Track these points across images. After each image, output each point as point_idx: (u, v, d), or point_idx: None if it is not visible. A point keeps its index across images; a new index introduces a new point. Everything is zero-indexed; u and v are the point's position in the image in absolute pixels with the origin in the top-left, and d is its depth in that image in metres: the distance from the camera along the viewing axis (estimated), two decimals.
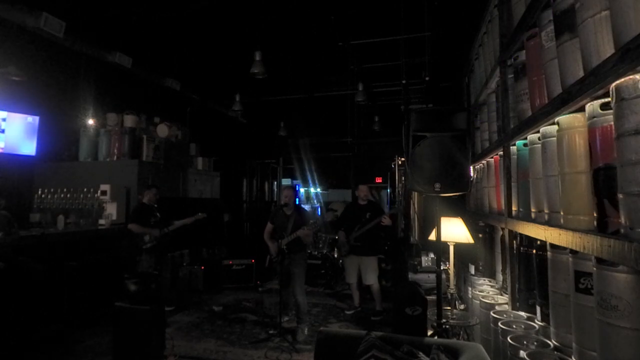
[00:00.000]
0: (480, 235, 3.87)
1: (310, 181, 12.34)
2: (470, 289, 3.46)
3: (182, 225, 4.98)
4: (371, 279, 4.85)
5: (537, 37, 2.09)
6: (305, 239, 4.35)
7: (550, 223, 1.92)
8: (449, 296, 3.79)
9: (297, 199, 9.11)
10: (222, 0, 5.52)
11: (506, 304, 2.73)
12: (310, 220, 4.46)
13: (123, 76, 6.52)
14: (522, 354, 1.84)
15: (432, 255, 5.37)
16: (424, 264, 5.42)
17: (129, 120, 6.31)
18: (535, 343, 1.99)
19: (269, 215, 4.60)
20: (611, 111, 1.38)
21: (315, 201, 13.24)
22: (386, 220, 4.76)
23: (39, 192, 5.72)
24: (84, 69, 6.18)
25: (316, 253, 6.94)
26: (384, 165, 10.06)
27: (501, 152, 2.92)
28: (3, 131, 5.13)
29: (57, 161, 6.10)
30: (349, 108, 9.03)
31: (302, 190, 13.07)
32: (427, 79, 6.23)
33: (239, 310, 5.25)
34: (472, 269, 3.97)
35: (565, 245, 1.70)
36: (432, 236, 3.39)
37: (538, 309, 2.23)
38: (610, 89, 1.35)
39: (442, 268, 3.11)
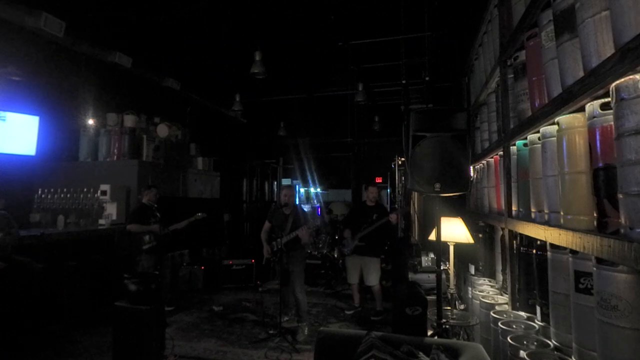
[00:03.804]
0: (480, 235, 3.87)
1: (310, 181, 12.34)
2: (470, 289, 3.46)
3: (182, 226, 4.99)
4: (373, 280, 4.85)
5: (537, 37, 2.09)
6: (303, 239, 4.35)
7: (550, 223, 1.92)
8: (449, 296, 3.79)
9: (297, 199, 9.08)
10: (222, 0, 5.52)
11: (506, 304, 2.73)
12: (309, 220, 4.46)
13: (123, 76, 6.52)
14: (522, 354, 1.84)
15: (432, 255, 5.37)
16: (424, 264, 5.41)
17: (129, 120, 6.30)
18: (535, 343, 1.99)
19: (267, 214, 4.60)
20: (611, 111, 1.38)
21: (315, 201, 13.24)
22: (393, 219, 4.81)
23: (39, 192, 5.72)
24: (84, 69, 6.17)
25: (316, 253, 6.94)
26: (384, 165, 10.07)
27: (501, 152, 2.92)
28: (3, 131, 5.13)
29: (57, 161, 6.09)
30: (349, 108, 9.04)
31: (302, 190, 13.08)
32: (427, 79, 6.23)
33: (239, 310, 5.25)
34: (472, 269, 3.97)
35: (565, 245, 1.70)
36: (432, 236, 3.39)
37: (538, 309, 2.23)
38: (610, 89, 1.35)
39: (442, 268, 3.11)
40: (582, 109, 1.65)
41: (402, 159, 7.73)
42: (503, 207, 2.84)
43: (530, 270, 2.38)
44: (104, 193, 5.42)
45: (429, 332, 3.01)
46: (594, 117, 1.52)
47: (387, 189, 10.09)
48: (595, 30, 1.46)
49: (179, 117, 7.67)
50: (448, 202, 3.64)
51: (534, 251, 2.31)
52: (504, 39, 2.95)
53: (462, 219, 3.53)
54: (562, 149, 1.77)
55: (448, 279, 3.93)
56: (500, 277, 3.24)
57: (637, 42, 1.16)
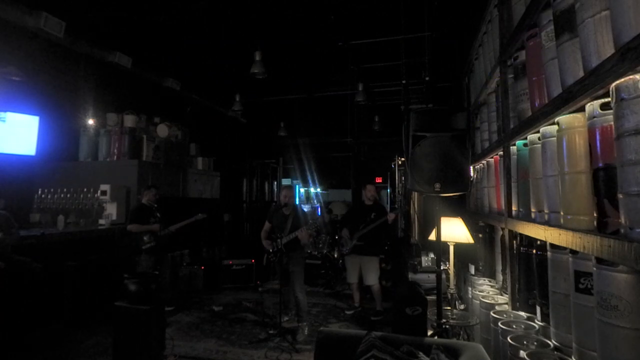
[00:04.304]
0: (480, 235, 3.87)
1: (310, 181, 12.35)
2: (470, 289, 3.46)
3: (181, 226, 4.99)
4: (372, 279, 4.85)
5: (537, 37, 2.09)
6: (302, 240, 4.33)
7: (550, 223, 1.92)
8: (449, 296, 3.79)
9: (297, 199, 9.06)
10: (222, 0, 5.52)
11: (506, 304, 2.73)
12: (308, 221, 4.46)
13: (123, 76, 6.52)
14: (522, 354, 1.84)
15: (432, 255, 5.37)
16: (424, 264, 5.41)
17: (129, 120, 6.30)
18: (535, 343, 1.99)
19: (267, 214, 4.60)
20: (611, 111, 1.38)
21: (315, 201, 13.25)
22: (391, 217, 4.79)
23: (39, 192, 5.71)
24: (84, 69, 6.18)
25: (316, 253, 6.93)
26: (384, 165, 10.08)
27: (501, 152, 2.92)
28: (3, 131, 5.12)
29: (57, 161, 6.09)
30: (349, 108, 9.04)
31: (302, 190, 13.08)
32: (427, 79, 6.23)
33: (239, 310, 5.25)
34: (472, 269, 3.97)
35: (565, 245, 1.70)
36: (432, 236, 3.39)
37: (538, 309, 2.23)
38: (610, 89, 1.35)
39: (442, 268, 3.11)
40: (582, 109, 1.65)
41: (402, 159, 7.72)
42: (503, 207, 2.84)
43: (530, 270, 2.38)
44: (104, 193, 5.42)
45: (429, 332, 3.01)
46: (594, 117, 1.52)
47: (387, 189, 10.10)
48: (595, 30, 1.46)
49: (179, 117, 7.67)
50: (448, 202, 3.63)
51: (534, 251, 2.31)
52: (504, 39, 2.95)
53: (462, 219, 3.52)
54: (562, 149, 1.77)
55: (448, 279, 3.93)
56: (500, 277, 3.24)
57: (637, 42, 1.16)
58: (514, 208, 2.64)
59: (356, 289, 5.05)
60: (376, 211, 4.89)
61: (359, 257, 4.90)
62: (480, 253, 3.90)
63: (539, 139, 2.09)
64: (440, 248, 2.83)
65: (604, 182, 1.46)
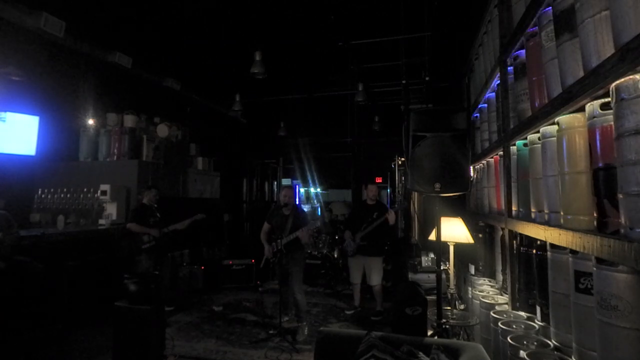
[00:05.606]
0: (480, 235, 3.87)
1: (310, 181, 12.34)
2: (470, 289, 3.46)
3: (181, 227, 4.98)
4: (375, 279, 4.85)
5: (537, 37, 2.10)
6: (303, 240, 4.33)
7: (550, 223, 1.92)
8: (449, 296, 3.79)
9: (296, 199, 9.05)
10: (222, 0, 5.53)
11: (506, 304, 2.73)
12: (308, 220, 4.45)
13: (123, 76, 6.52)
14: (522, 354, 1.84)
15: (432, 255, 5.38)
16: (424, 264, 5.42)
17: (129, 120, 6.31)
18: (535, 343, 1.99)
19: (266, 215, 4.59)
20: (611, 111, 1.38)
21: (315, 201, 13.25)
22: (391, 218, 4.72)
23: (39, 192, 5.72)
24: (84, 69, 6.17)
25: (316, 253, 6.93)
26: (384, 165, 10.07)
27: (501, 152, 2.92)
28: (3, 131, 5.12)
29: (57, 161, 6.09)
30: (349, 108, 9.04)
31: (302, 190, 13.08)
32: (427, 79, 6.23)
33: (239, 310, 5.25)
34: (472, 269, 3.98)
35: (565, 245, 1.70)
36: (432, 236, 3.39)
37: (538, 309, 2.23)
38: (610, 89, 1.35)
39: (442, 268, 3.11)
40: (582, 109, 1.65)
41: (402, 159, 7.73)
42: (503, 207, 2.84)
43: (530, 270, 2.38)
44: (104, 193, 5.42)
45: (429, 332, 3.01)
46: (594, 117, 1.52)
47: (387, 189, 10.10)
48: (595, 30, 1.46)
49: (179, 117, 7.66)
50: (448, 202, 3.64)
51: (534, 251, 2.31)
52: (504, 39, 2.95)
53: (462, 219, 3.53)
54: (562, 149, 1.77)
55: (448, 279, 3.93)
56: (500, 277, 3.24)
57: (637, 42, 1.16)
58: (514, 208, 2.64)
59: (359, 290, 5.05)
60: (378, 210, 4.87)
61: (363, 257, 4.89)
62: (480, 253, 3.90)
63: (539, 139, 2.09)
64: (440, 248, 2.83)
65: (604, 182, 1.46)
